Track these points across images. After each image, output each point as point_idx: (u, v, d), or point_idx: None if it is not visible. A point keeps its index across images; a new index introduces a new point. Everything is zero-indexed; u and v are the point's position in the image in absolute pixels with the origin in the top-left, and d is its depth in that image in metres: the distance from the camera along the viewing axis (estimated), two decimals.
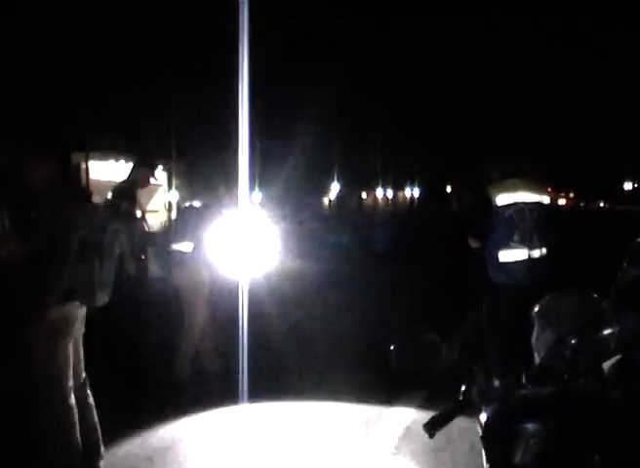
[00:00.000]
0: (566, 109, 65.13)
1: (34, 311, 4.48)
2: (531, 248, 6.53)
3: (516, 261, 6.48)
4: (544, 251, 6.63)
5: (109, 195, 6.21)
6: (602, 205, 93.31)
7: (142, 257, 7.01)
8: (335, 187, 60.88)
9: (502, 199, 6.52)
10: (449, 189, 78.86)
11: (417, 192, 79.02)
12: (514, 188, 6.56)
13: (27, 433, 4.97)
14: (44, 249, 4.48)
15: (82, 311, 4.66)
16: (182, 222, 7.71)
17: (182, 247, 7.38)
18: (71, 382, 4.70)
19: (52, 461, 4.65)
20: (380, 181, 73.25)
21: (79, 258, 4.50)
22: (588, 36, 59.72)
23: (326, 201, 62.56)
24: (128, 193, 7.00)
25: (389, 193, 78.24)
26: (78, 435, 4.71)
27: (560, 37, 60.78)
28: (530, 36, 62.04)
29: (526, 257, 6.50)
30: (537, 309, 2.70)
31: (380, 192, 75.97)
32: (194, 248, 7.33)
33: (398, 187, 79.39)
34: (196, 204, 7.65)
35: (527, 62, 61.46)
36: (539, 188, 6.75)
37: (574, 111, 66.11)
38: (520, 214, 6.49)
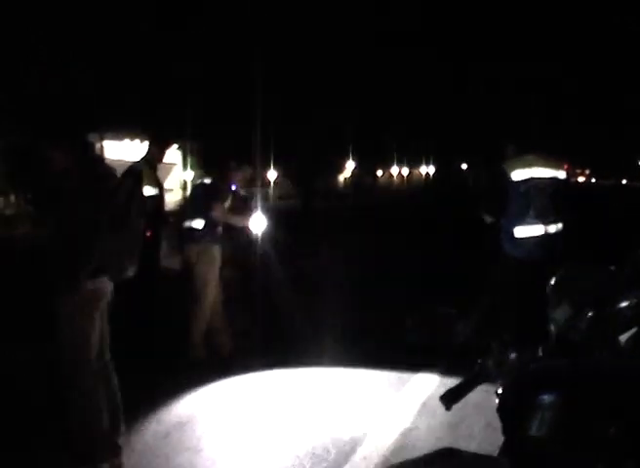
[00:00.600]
0: (582, 87, 64.47)
1: (67, 285, 4.58)
2: (546, 223, 6.52)
3: (531, 236, 6.50)
4: (560, 226, 6.63)
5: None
6: (624, 182, 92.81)
7: (148, 234, 6.95)
8: (350, 165, 60.76)
9: (518, 174, 6.50)
10: (464, 166, 78.55)
11: (432, 170, 78.84)
12: (530, 164, 6.55)
13: (52, 405, 5.05)
14: (71, 226, 4.57)
15: (110, 285, 4.76)
16: (193, 200, 7.74)
17: (195, 224, 7.40)
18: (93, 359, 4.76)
19: (76, 432, 4.70)
20: (395, 159, 73.12)
21: (106, 234, 4.58)
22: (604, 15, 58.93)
23: (341, 179, 62.51)
24: (136, 171, 7.02)
25: (405, 171, 78.09)
26: (104, 408, 4.76)
27: (574, 16, 60.08)
28: (545, 16, 61.43)
29: (542, 233, 6.51)
30: (553, 282, 2.69)
31: (395, 170, 75.82)
32: (205, 224, 7.36)
33: (413, 165, 79.21)
34: (207, 181, 7.64)
35: (540, 40, 60.87)
36: (555, 164, 6.72)
37: (590, 89, 65.49)
38: (535, 189, 6.49)
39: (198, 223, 7.39)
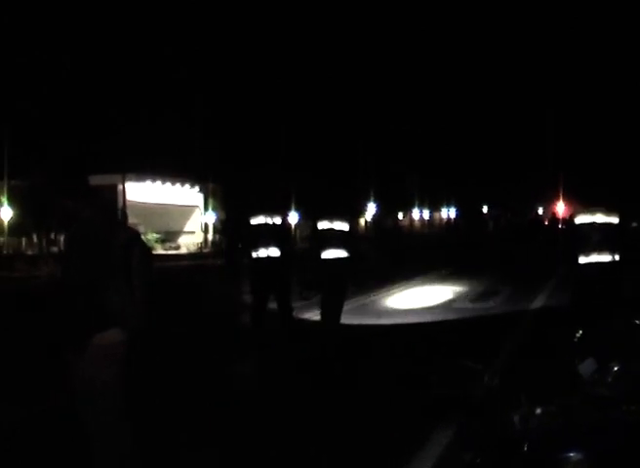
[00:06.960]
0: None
1: (78, 337, 4.41)
2: (600, 254, 8.78)
3: (590, 263, 8.78)
4: (616, 258, 8.77)
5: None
6: None
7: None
8: (371, 208, 60.77)
9: (582, 219, 8.94)
10: (485, 209, 78.37)
11: (453, 213, 78.75)
12: (593, 212, 8.90)
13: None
14: (81, 275, 4.44)
15: (124, 336, 4.53)
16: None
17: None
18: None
19: None
20: (416, 202, 73.22)
21: (118, 283, 4.40)
22: None
23: (362, 222, 62.50)
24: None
25: (426, 214, 78.08)
26: None
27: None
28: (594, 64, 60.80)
29: (596, 261, 8.76)
30: (579, 335, 2.67)
31: (416, 213, 75.85)
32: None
33: (435, 208, 79.22)
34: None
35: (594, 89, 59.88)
36: (611, 212, 8.92)
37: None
38: (592, 229, 8.83)
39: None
